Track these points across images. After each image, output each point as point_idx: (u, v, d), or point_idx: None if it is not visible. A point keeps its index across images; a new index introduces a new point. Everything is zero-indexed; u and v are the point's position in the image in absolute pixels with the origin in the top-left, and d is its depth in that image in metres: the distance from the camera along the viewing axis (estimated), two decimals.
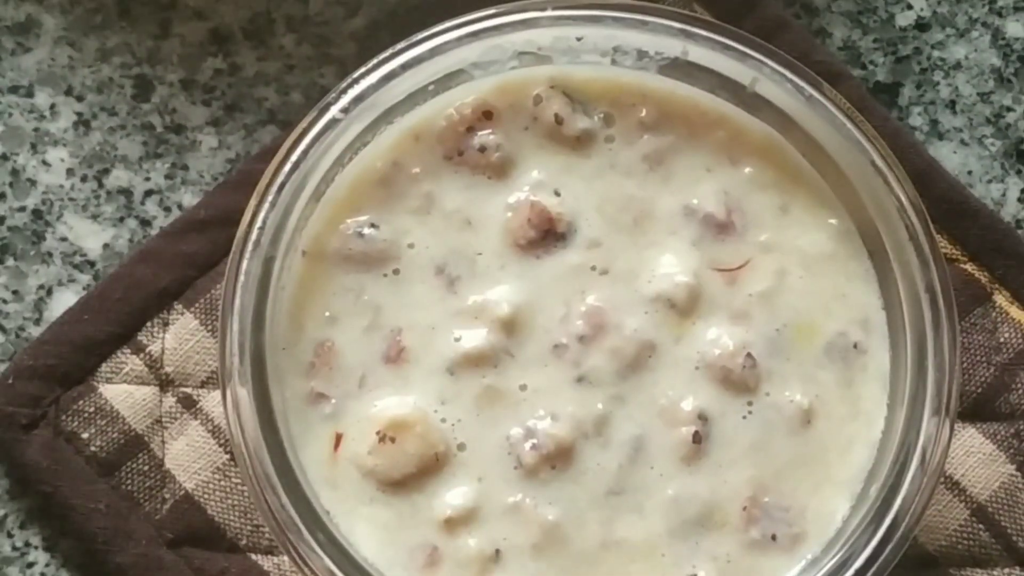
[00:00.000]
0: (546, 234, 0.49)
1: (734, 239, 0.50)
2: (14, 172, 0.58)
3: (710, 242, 0.50)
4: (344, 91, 0.49)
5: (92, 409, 0.55)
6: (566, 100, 0.50)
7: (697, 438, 0.48)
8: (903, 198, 0.48)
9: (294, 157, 0.48)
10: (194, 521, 0.54)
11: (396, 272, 0.49)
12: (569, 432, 0.48)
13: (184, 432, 0.55)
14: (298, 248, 0.49)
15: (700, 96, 0.51)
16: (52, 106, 0.58)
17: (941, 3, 0.60)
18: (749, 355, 0.48)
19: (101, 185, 0.58)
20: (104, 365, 0.55)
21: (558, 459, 0.48)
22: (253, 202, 0.48)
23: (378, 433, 0.48)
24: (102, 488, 0.54)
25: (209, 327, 0.55)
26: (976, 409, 0.55)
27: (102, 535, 0.53)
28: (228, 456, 0.54)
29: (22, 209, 0.58)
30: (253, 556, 0.54)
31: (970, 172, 0.59)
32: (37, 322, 0.57)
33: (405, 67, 0.49)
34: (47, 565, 0.55)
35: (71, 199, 0.58)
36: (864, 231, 0.50)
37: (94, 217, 0.58)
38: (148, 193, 0.58)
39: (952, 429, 0.47)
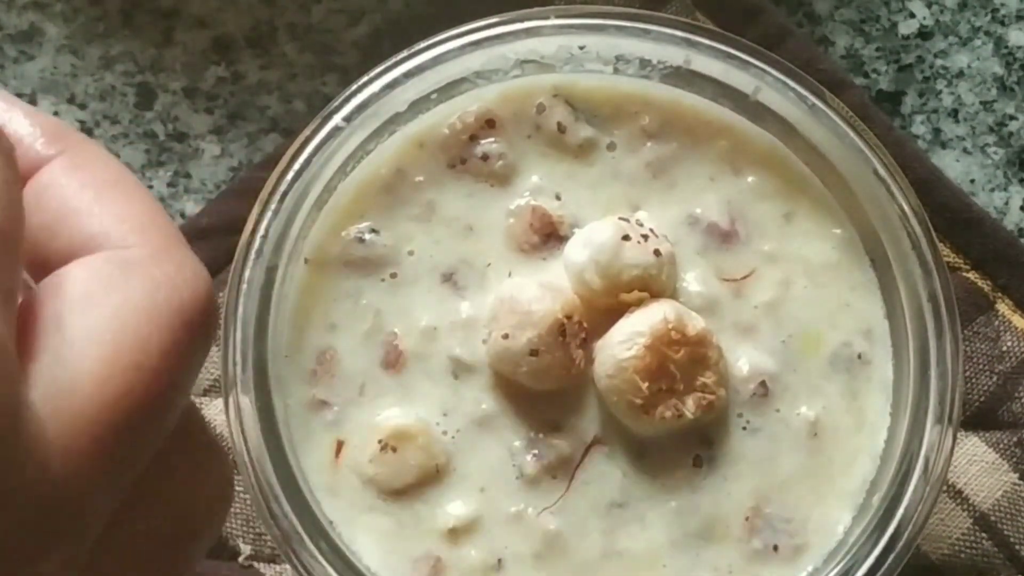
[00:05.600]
0: (548, 237, 0.49)
1: (738, 249, 0.50)
2: None
3: (715, 251, 0.50)
4: (347, 99, 0.49)
5: None
6: (569, 108, 0.50)
7: (698, 462, 0.48)
8: (906, 207, 0.48)
9: (296, 165, 0.48)
10: None
11: (394, 276, 0.49)
12: (571, 442, 0.48)
13: None
14: (300, 256, 0.49)
15: (703, 105, 0.51)
16: (55, 114, 0.58)
17: (944, 12, 0.60)
18: (763, 383, 0.48)
19: None
20: None
21: (559, 470, 0.48)
22: (255, 210, 0.48)
23: (380, 442, 0.48)
24: None
25: None
26: (979, 418, 0.55)
27: None
28: None
29: None
30: (256, 564, 0.54)
31: (973, 181, 0.59)
32: None
33: (408, 75, 0.49)
34: None
35: None
36: (867, 240, 0.50)
37: None
38: None
39: (955, 438, 0.47)
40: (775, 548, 0.48)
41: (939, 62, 0.59)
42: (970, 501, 0.54)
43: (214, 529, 0.33)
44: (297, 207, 0.48)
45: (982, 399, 0.55)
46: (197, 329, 0.29)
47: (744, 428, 0.49)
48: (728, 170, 0.50)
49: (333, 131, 0.48)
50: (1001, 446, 0.55)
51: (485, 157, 0.50)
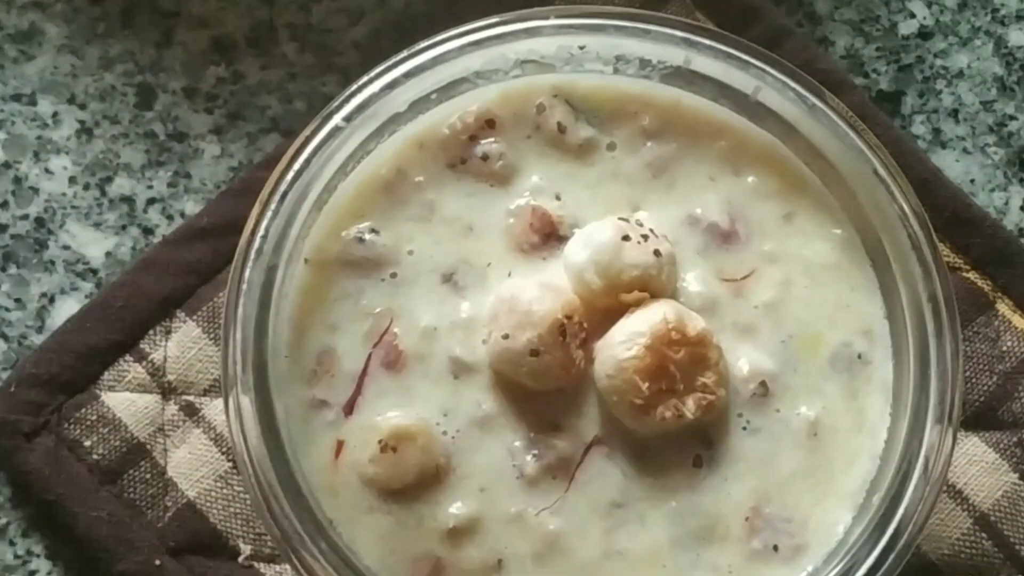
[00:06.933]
0: (548, 237, 0.49)
1: (738, 249, 0.50)
2: (17, 180, 0.58)
3: (715, 251, 0.50)
4: (347, 99, 0.49)
5: (94, 417, 0.55)
6: (569, 108, 0.50)
7: (698, 462, 0.48)
8: (906, 207, 0.48)
9: (297, 165, 0.48)
10: (196, 529, 0.54)
11: (394, 276, 0.49)
12: (571, 442, 0.48)
13: (186, 440, 0.55)
14: (300, 256, 0.49)
15: (703, 105, 0.51)
16: (55, 114, 0.58)
17: (944, 12, 0.60)
18: (763, 383, 0.48)
19: (104, 193, 0.58)
20: (107, 373, 0.55)
21: (559, 470, 0.48)
22: (256, 210, 0.48)
23: (380, 442, 0.48)
24: (104, 496, 0.54)
25: (211, 335, 0.55)
26: (979, 418, 0.55)
27: (104, 543, 0.53)
28: (230, 464, 0.54)
29: (25, 217, 0.58)
30: (256, 564, 0.54)
31: (972, 180, 0.59)
32: (40, 330, 0.57)
33: (408, 76, 0.49)
34: (49, 573, 0.55)
35: (74, 207, 0.58)
36: (867, 240, 0.50)
37: (97, 225, 0.58)
38: (150, 201, 0.58)
39: (955, 438, 0.47)
40: (775, 548, 0.48)
41: (939, 62, 0.59)
42: (970, 501, 0.54)
43: None
44: (297, 207, 0.48)
45: (982, 399, 0.55)
46: None
47: (744, 428, 0.49)
48: (728, 170, 0.50)
49: (333, 131, 0.48)
50: (1001, 446, 0.55)
51: (485, 157, 0.50)
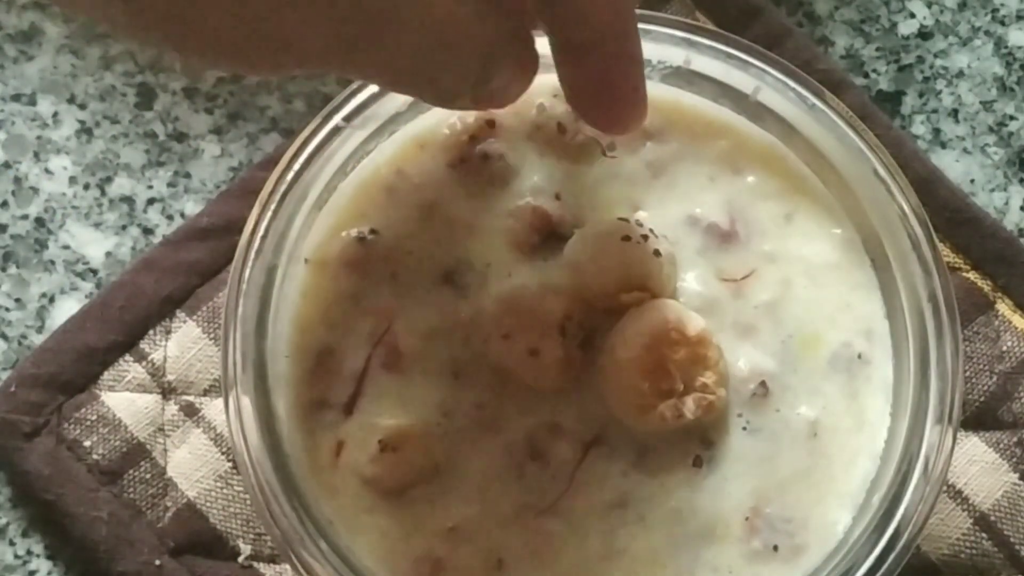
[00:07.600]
0: (548, 237, 0.49)
1: (738, 249, 0.50)
2: (17, 180, 0.58)
3: (715, 251, 0.50)
4: (347, 99, 0.49)
5: (94, 417, 0.55)
6: (569, 109, 0.50)
7: (698, 462, 0.48)
8: (905, 207, 0.48)
9: (296, 165, 0.48)
10: (196, 529, 0.54)
11: (394, 276, 0.49)
12: (571, 442, 0.48)
13: (186, 440, 0.55)
14: (300, 256, 0.49)
15: (703, 105, 0.51)
16: (55, 114, 0.58)
17: (944, 12, 0.60)
18: (763, 383, 0.48)
19: (104, 193, 0.58)
20: (106, 373, 0.55)
21: (559, 470, 0.48)
22: (255, 210, 0.48)
23: (380, 442, 0.48)
24: (104, 496, 0.54)
25: (211, 335, 0.55)
26: (979, 418, 0.55)
27: (104, 543, 0.53)
28: (230, 464, 0.54)
29: (25, 217, 0.58)
30: (256, 564, 0.54)
31: (973, 181, 0.59)
32: (39, 330, 0.57)
33: None
34: (49, 573, 0.55)
35: (74, 207, 0.58)
36: (867, 240, 0.50)
37: (96, 225, 0.58)
38: (150, 201, 0.58)
39: (955, 438, 0.47)
40: (775, 548, 0.48)
41: (939, 62, 0.59)
42: (970, 501, 0.54)
43: None
44: (297, 207, 0.48)
45: (982, 399, 0.55)
46: None
47: (744, 428, 0.49)
48: (728, 170, 0.50)
49: (333, 131, 0.48)
50: (1001, 446, 0.55)
51: (485, 157, 0.50)
